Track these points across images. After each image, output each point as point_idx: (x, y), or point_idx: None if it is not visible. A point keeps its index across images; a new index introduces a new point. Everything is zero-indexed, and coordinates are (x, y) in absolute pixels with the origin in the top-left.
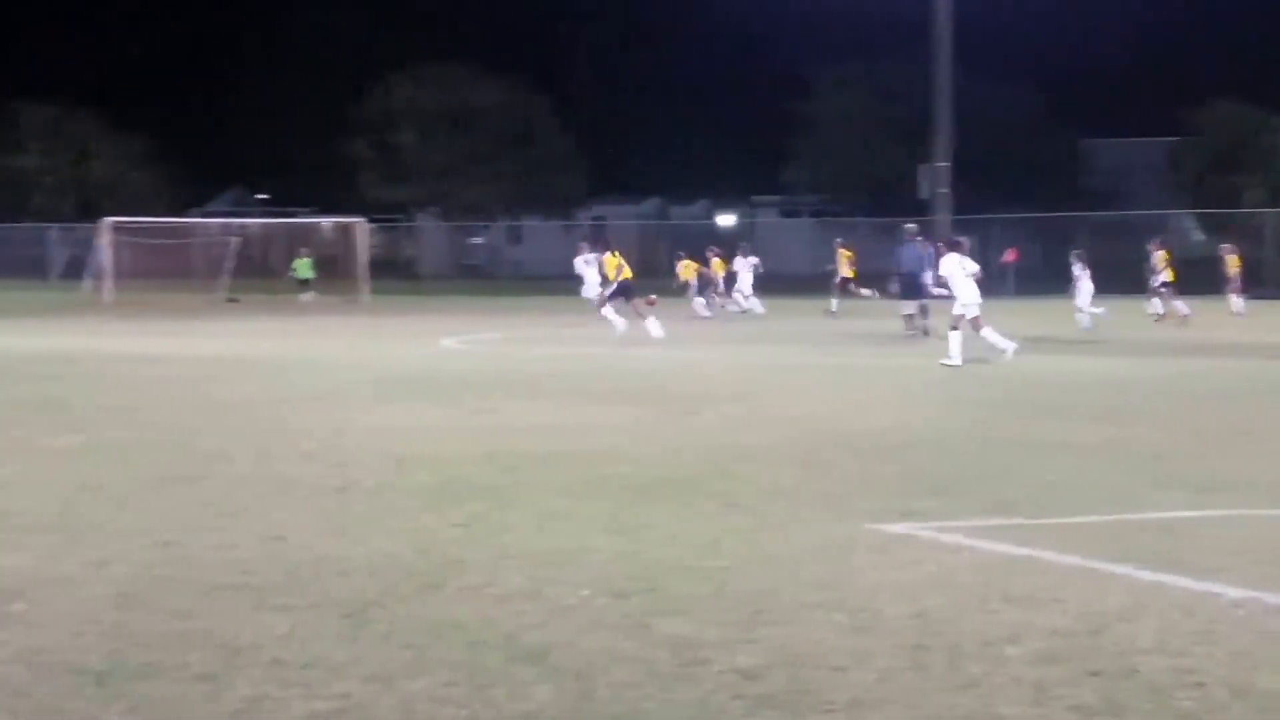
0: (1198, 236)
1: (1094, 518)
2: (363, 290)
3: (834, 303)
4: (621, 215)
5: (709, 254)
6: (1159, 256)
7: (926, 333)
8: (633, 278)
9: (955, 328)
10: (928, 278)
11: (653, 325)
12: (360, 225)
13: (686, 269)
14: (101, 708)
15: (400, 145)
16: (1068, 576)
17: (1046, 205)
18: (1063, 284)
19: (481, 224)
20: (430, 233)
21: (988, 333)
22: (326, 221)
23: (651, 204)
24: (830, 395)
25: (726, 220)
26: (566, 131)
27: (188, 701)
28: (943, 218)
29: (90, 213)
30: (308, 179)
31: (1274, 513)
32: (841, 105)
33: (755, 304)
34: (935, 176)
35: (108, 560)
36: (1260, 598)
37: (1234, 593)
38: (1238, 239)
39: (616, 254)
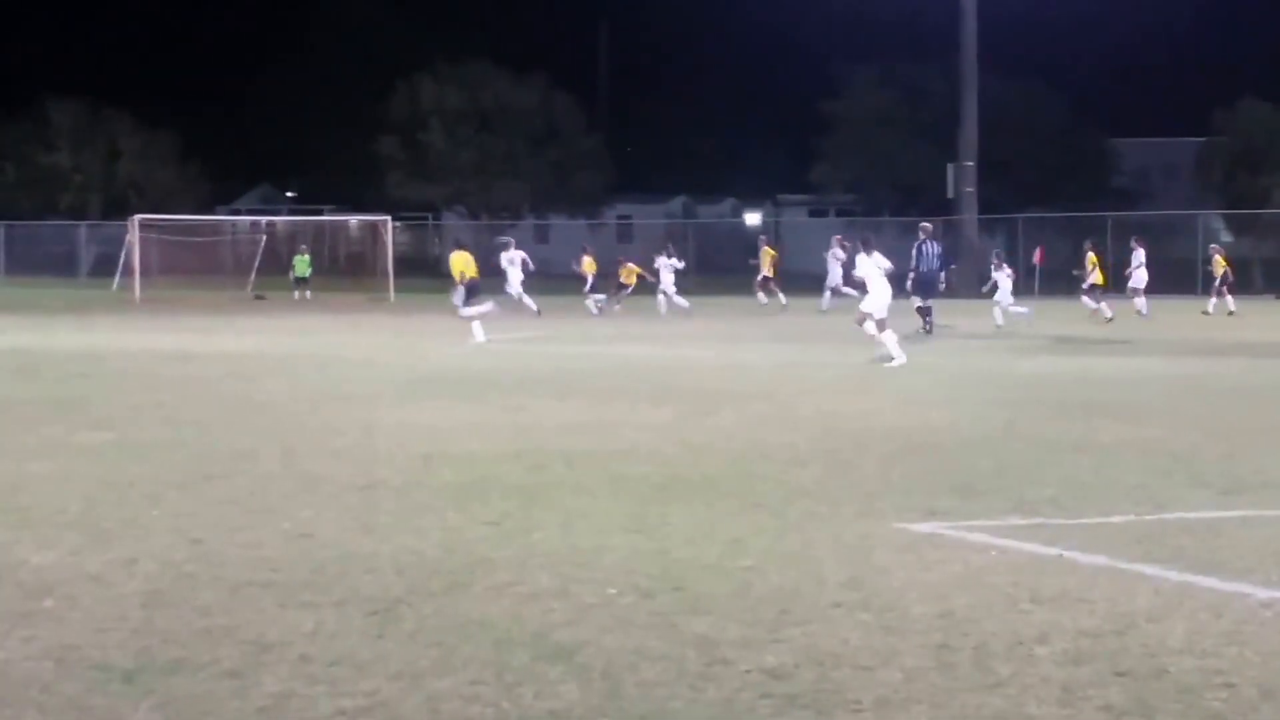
0: (1226, 237)
1: (1120, 518)
2: (389, 289)
3: (826, 298)
4: (647, 214)
5: (619, 261)
6: (1090, 258)
7: (930, 330)
8: (478, 277)
9: (884, 328)
10: (942, 276)
11: (477, 329)
12: (386, 223)
13: (629, 273)
14: (129, 704)
15: (427, 144)
16: (1095, 577)
17: (1074, 204)
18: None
19: (508, 223)
20: (457, 232)
21: (887, 336)
22: (353, 220)
23: (678, 202)
24: (851, 394)
25: (753, 219)
26: (593, 130)
27: (215, 698)
28: (969, 216)
29: (118, 210)
30: (335, 177)
31: None
32: (870, 104)
33: (680, 301)
34: (962, 175)
35: (136, 558)
36: None
37: (1263, 593)
38: (1264, 239)
39: (464, 251)
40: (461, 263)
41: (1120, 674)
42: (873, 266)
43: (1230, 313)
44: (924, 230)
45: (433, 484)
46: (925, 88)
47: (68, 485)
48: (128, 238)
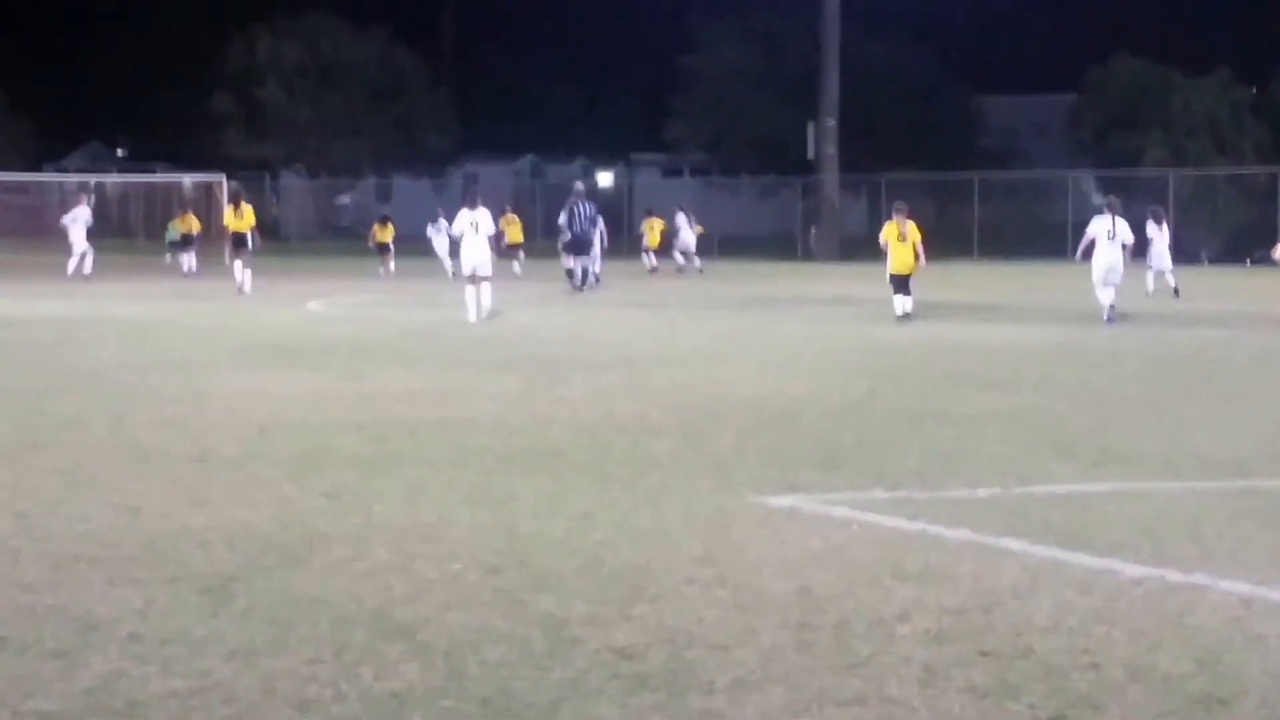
0: (1097, 198)
1: (986, 491)
2: (224, 252)
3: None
4: (495, 174)
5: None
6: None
7: (584, 286)
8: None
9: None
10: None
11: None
12: (221, 183)
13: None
14: None
15: (263, 99)
16: (960, 552)
17: (941, 165)
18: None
19: (349, 182)
20: (295, 191)
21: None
22: (186, 179)
23: (526, 161)
24: (708, 363)
25: (605, 179)
26: (437, 87)
27: (40, 679)
28: (830, 177)
29: None
30: (168, 134)
31: (1172, 486)
32: (727, 59)
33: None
34: (823, 134)
35: None
36: (1160, 575)
37: (1132, 570)
38: (1136, 199)
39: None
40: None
41: (984, 653)
42: (468, 225)
43: (652, 269)
44: (576, 192)
45: (268, 455)
46: (786, 43)
47: None
48: None
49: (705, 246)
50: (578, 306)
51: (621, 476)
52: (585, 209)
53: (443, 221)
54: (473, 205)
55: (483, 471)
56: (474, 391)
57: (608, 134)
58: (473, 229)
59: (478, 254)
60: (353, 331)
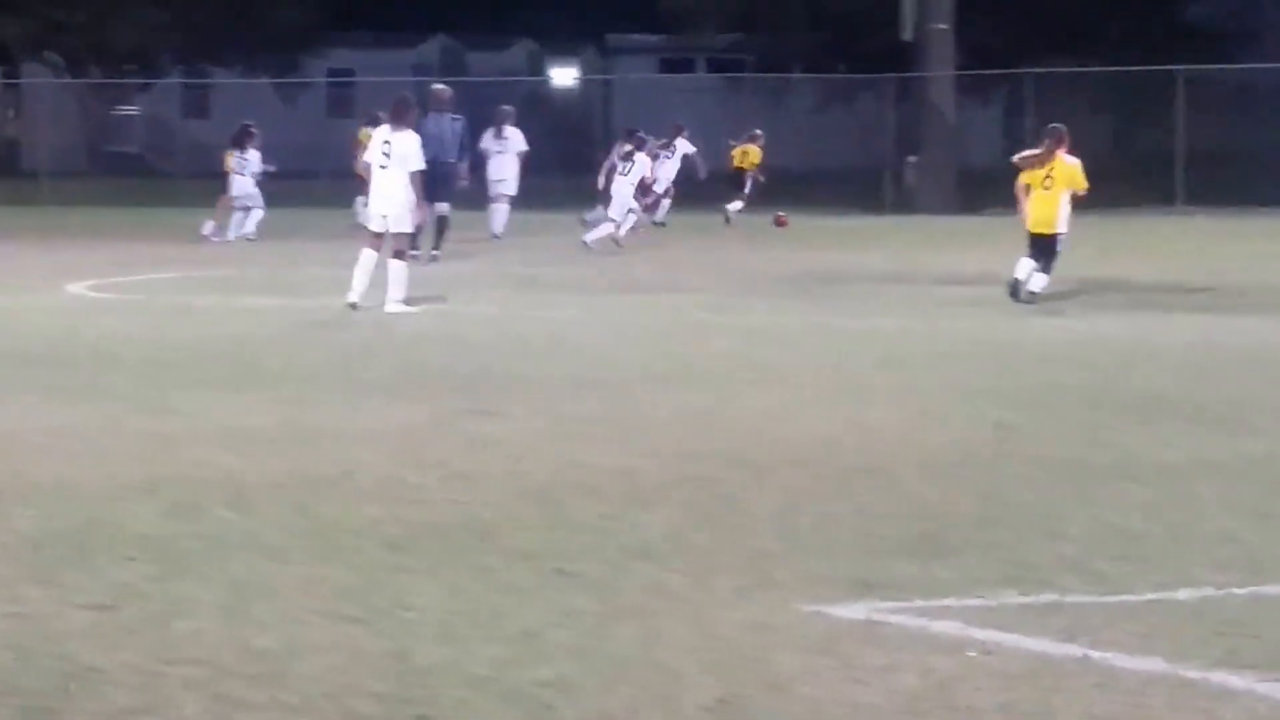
0: None
1: (1192, 593)
2: None
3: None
4: (382, 67)
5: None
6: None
7: (438, 249)
8: None
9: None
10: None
11: None
12: None
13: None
14: None
15: None
16: (1145, 694)
17: (1126, 52)
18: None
19: (139, 81)
20: (47, 96)
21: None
22: None
23: (433, 48)
24: (740, 382)
25: (563, 76)
26: None
27: None
28: (940, 73)
29: None
30: None
31: None
32: None
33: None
34: (929, 3)
35: None
36: None
37: None
38: None
39: None
40: None
41: None
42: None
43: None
44: (437, 98)
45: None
46: None
47: None
48: None
49: (721, 188)
50: (526, 290)
51: (589, 572)
52: (444, 125)
53: (255, 154)
54: (399, 121)
55: (359, 564)
56: (348, 430)
57: (570, 4)
58: (384, 156)
59: (392, 199)
60: (146, 331)
